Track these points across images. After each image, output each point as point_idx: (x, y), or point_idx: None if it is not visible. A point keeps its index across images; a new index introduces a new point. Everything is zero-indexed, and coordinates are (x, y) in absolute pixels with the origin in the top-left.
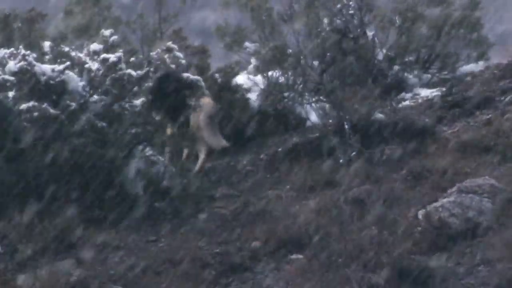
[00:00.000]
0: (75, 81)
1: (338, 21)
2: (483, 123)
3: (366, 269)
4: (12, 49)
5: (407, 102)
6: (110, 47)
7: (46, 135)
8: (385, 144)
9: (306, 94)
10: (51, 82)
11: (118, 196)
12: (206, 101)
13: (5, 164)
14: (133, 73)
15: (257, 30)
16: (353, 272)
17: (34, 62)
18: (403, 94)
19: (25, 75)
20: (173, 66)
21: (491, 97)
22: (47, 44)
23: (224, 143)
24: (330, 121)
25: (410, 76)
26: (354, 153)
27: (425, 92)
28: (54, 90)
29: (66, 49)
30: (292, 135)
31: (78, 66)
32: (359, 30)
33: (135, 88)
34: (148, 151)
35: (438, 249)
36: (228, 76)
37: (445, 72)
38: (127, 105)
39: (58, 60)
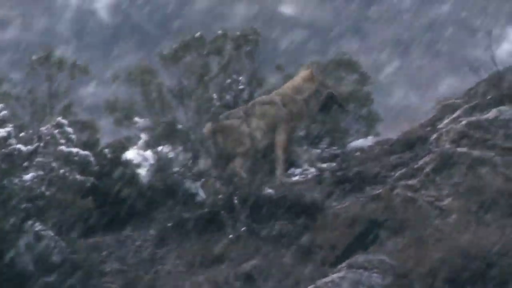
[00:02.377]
0: None
1: (228, 96)
2: (373, 199)
3: None
4: None
5: (296, 177)
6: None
7: None
8: (275, 219)
9: (196, 169)
10: None
11: (8, 271)
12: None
13: None
14: (23, 148)
15: (147, 105)
16: None
17: None
18: (292, 169)
19: None
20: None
21: (381, 172)
22: None
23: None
24: (220, 196)
25: (300, 152)
26: (243, 228)
27: (315, 168)
28: None
29: None
30: (182, 210)
31: None
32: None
33: (25, 163)
34: (38, 226)
35: None
36: (118, 152)
37: (335, 147)
38: (17, 180)
39: None
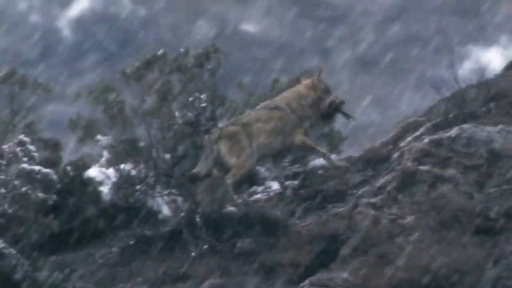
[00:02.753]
0: None
1: (190, 114)
2: (335, 217)
3: None
4: None
5: (259, 195)
6: None
7: None
8: (237, 237)
9: (158, 187)
10: None
11: None
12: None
13: None
14: None
15: (109, 123)
16: None
17: None
18: (254, 187)
19: None
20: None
21: (343, 190)
22: None
23: None
24: (182, 214)
25: (262, 169)
26: (206, 246)
27: (277, 185)
28: None
29: None
30: (144, 228)
31: None
32: (210, 123)
33: None
34: (0, 244)
35: None
36: (80, 169)
37: (297, 165)
38: None
39: None
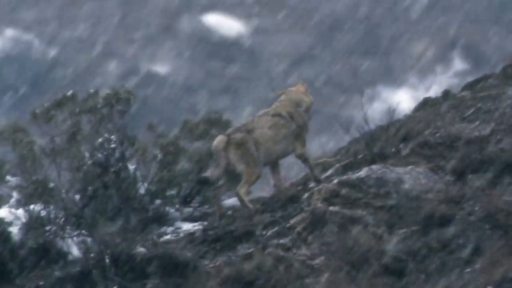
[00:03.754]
0: None
1: (100, 155)
2: (245, 257)
3: None
4: None
5: (168, 236)
6: None
7: None
8: (147, 278)
9: (68, 228)
10: None
11: None
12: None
13: None
14: None
15: (19, 163)
16: None
17: None
18: (164, 228)
19: None
20: None
21: (253, 231)
22: None
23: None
24: (92, 255)
25: (172, 210)
26: (115, 286)
27: (187, 226)
28: None
29: None
30: (54, 269)
31: None
32: (120, 164)
33: None
34: None
35: None
36: None
37: (207, 206)
38: None
39: None
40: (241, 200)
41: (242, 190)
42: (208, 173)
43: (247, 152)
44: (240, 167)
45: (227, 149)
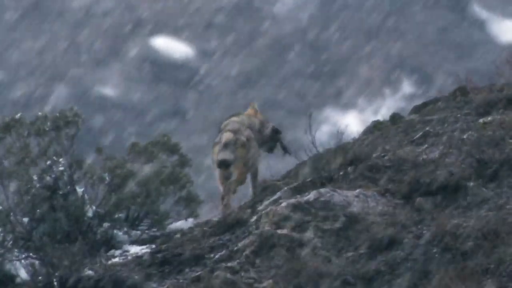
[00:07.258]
0: None
1: (48, 178)
2: (193, 281)
3: None
4: None
5: (116, 259)
6: None
7: None
8: None
9: (16, 250)
10: None
11: None
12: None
13: None
14: None
15: None
16: None
17: None
18: (112, 251)
19: None
20: None
21: (201, 254)
22: None
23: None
24: (40, 277)
25: (120, 233)
26: None
27: (135, 249)
28: None
29: None
30: None
31: None
32: (68, 187)
33: None
34: None
35: None
36: None
37: (155, 229)
38: None
39: None
40: (227, 192)
41: (233, 185)
42: (226, 155)
43: (247, 153)
44: (238, 165)
45: (238, 149)
